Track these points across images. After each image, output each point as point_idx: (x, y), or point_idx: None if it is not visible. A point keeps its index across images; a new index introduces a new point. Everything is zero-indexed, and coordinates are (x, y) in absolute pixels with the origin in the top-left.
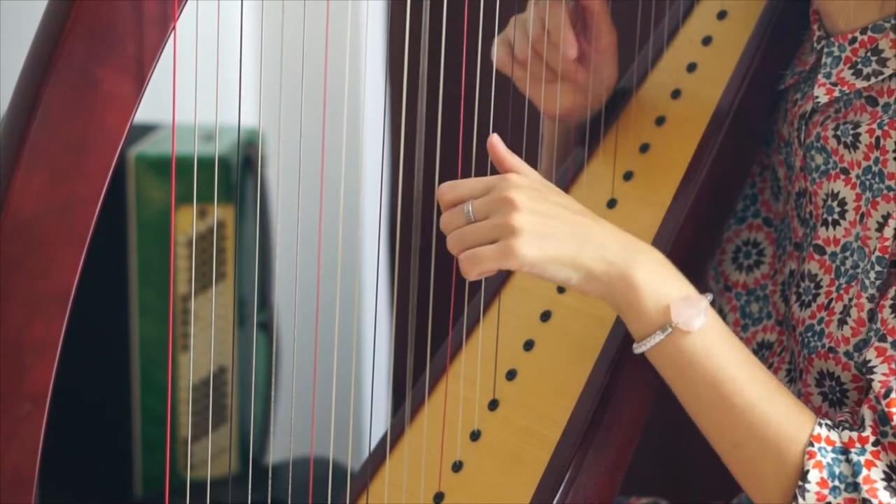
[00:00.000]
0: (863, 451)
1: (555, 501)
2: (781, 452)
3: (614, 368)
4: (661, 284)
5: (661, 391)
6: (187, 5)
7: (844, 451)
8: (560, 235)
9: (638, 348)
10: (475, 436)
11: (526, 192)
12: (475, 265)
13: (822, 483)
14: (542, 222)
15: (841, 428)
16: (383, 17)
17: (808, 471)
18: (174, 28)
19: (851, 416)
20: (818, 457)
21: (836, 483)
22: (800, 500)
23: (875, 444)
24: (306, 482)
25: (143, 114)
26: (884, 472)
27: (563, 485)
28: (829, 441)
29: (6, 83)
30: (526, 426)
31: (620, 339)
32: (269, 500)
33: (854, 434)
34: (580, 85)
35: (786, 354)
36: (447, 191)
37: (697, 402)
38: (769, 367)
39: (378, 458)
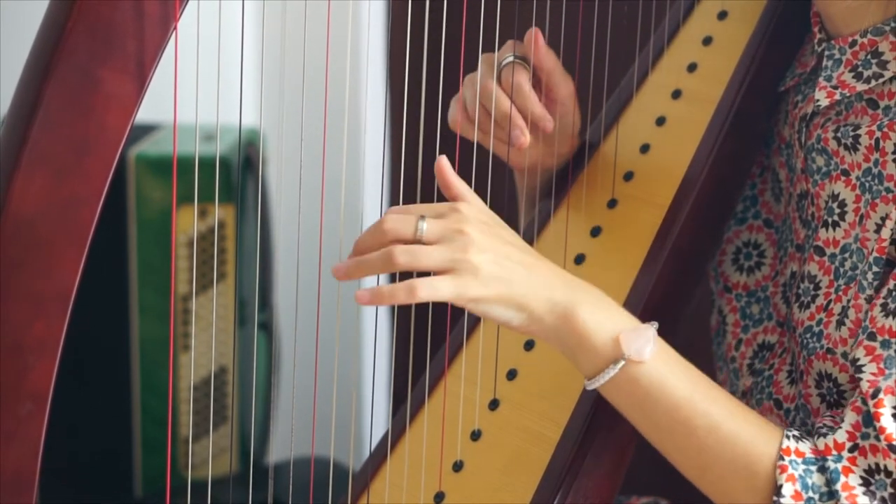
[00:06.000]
0: (839, 458)
1: (555, 501)
2: (752, 469)
3: None
4: (607, 319)
5: None
6: (188, 5)
7: (816, 460)
8: (512, 277)
9: (591, 385)
10: (475, 436)
11: (479, 226)
12: (425, 291)
13: (797, 496)
14: (497, 262)
15: (818, 435)
16: (384, 17)
17: (781, 485)
18: (175, 28)
19: (833, 418)
20: (790, 470)
21: (811, 494)
22: None
23: (852, 449)
24: (307, 482)
25: (143, 114)
26: (861, 477)
27: (563, 484)
28: (798, 453)
29: (7, 83)
30: (526, 426)
31: None
32: (270, 500)
33: (830, 440)
34: (544, 137)
35: (787, 356)
36: (396, 209)
37: (659, 430)
38: (770, 368)
39: (378, 458)
